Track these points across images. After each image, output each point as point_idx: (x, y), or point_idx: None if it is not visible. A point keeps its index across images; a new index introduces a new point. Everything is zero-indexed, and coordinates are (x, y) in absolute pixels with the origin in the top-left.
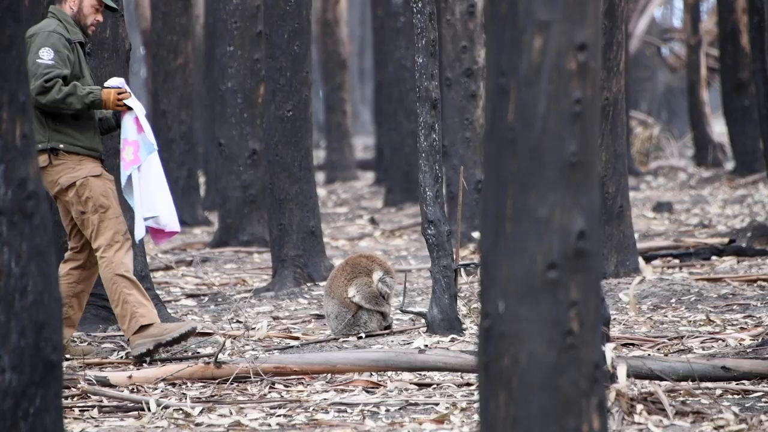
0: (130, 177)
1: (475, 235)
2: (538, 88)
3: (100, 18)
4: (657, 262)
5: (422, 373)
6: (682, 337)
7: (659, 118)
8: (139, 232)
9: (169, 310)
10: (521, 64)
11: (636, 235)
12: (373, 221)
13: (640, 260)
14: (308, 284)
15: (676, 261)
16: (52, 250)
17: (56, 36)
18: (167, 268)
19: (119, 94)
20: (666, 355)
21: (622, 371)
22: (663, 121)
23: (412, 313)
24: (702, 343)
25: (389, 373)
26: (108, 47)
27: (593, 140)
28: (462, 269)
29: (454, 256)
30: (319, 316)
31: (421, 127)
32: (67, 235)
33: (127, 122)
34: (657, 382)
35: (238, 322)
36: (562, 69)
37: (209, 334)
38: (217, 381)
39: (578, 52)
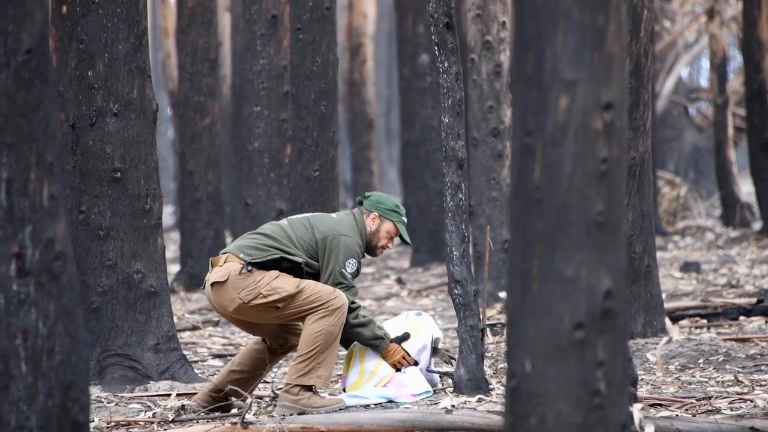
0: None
1: (502, 294)
2: (564, 147)
3: (390, 245)
4: (684, 322)
5: None
6: (710, 398)
7: (686, 178)
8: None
9: (197, 371)
10: (547, 124)
11: (663, 295)
12: (400, 281)
13: (667, 320)
14: None
15: (704, 321)
16: (80, 310)
17: (358, 253)
18: (194, 328)
19: (404, 359)
20: (694, 415)
21: None
22: (690, 181)
23: (439, 372)
24: (730, 403)
25: None
26: (135, 108)
27: (620, 200)
28: (489, 329)
29: (481, 316)
30: None
31: (447, 186)
32: (262, 339)
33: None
34: None
35: (264, 382)
36: (588, 128)
37: (237, 394)
38: None
39: (604, 111)
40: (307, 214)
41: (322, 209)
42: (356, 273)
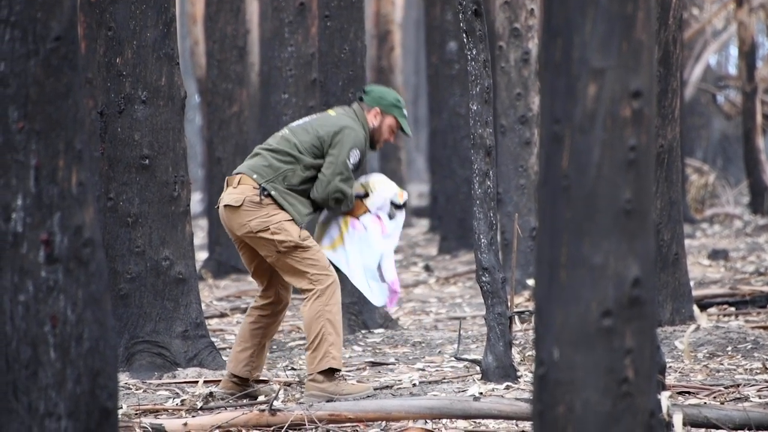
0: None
1: (530, 282)
2: (593, 135)
3: (392, 139)
4: (713, 309)
5: (477, 420)
6: (738, 386)
7: (714, 166)
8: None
9: (224, 358)
10: (575, 111)
11: (691, 283)
12: (427, 268)
13: (695, 308)
14: (363, 331)
15: (732, 309)
16: (108, 297)
17: (363, 144)
18: (222, 315)
19: (360, 209)
20: (722, 403)
21: (678, 420)
22: (718, 169)
23: (466, 360)
24: (759, 391)
25: (444, 421)
26: (163, 95)
27: (648, 187)
28: (516, 316)
29: (509, 304)
30: (375, 363)
31: (475, 174)
32: (253, 275)
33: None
34: (713, 430)
35: (292, 369)
36: (617, 116)
37: (264, 382)
38: (272, 428)
39: (633, 99)
40: (306, 118)
41: None
42: (358, 164)
